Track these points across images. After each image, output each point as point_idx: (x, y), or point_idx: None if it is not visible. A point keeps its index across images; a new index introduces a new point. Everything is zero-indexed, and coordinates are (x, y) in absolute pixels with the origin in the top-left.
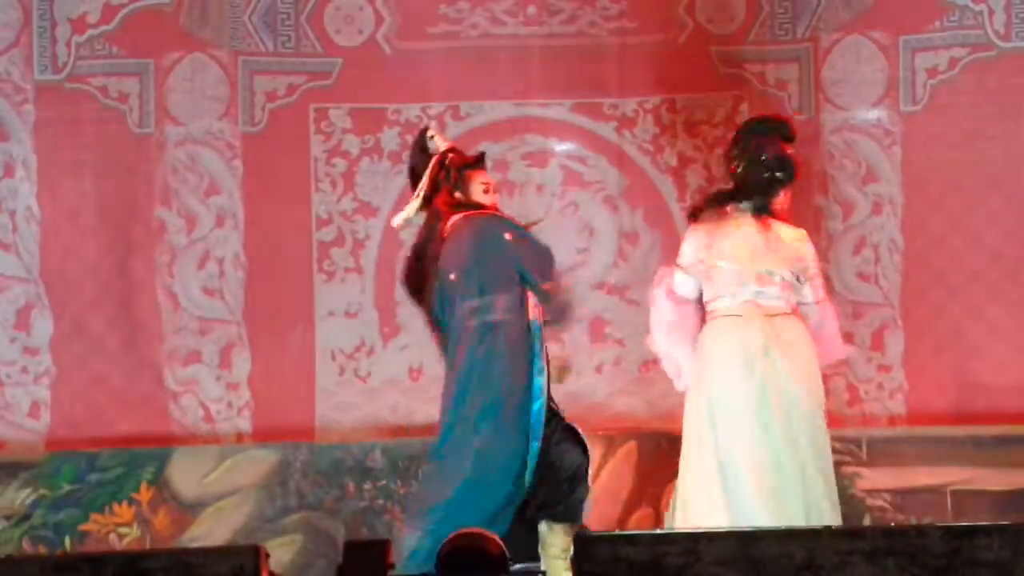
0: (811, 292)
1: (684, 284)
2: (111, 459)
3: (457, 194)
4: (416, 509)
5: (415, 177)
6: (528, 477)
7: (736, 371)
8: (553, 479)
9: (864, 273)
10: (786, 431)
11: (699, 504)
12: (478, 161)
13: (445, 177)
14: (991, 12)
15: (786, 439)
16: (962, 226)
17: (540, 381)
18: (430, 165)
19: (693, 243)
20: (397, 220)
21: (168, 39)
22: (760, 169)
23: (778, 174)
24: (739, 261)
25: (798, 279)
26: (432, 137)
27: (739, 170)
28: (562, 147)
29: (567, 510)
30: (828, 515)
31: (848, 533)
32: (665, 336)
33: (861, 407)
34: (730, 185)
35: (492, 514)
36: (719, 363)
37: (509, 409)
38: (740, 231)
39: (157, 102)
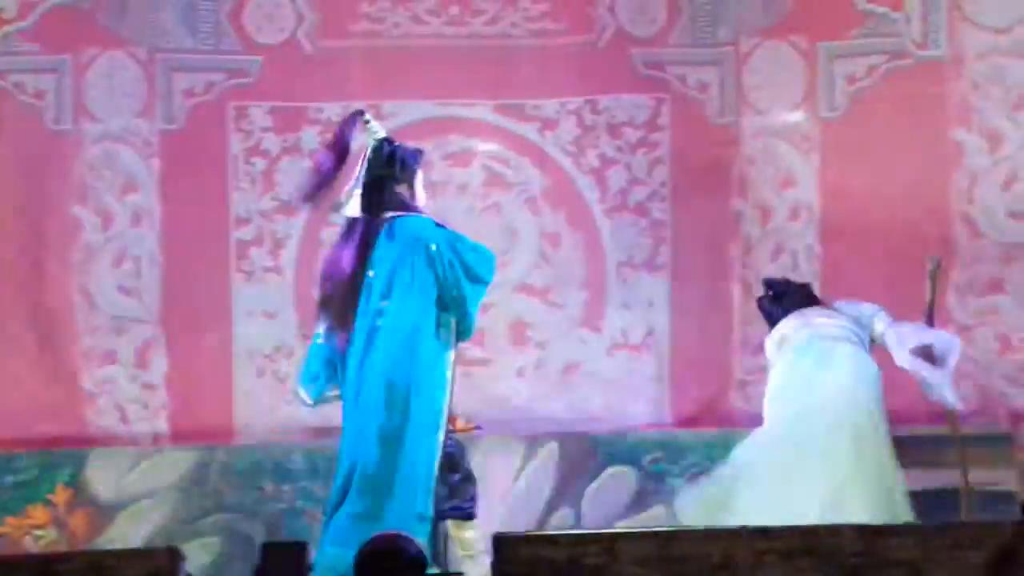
0: None
1: None
2: (27, 461)
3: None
4: None
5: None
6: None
7: None
8: (451, 476)
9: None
10: None
11: None
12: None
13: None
14: (908, 20)
15: None
16: (879, 233)
17: None
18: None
19: None
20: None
21: (86, 36)
22: None
23: None
24: None
25: None
26: (369, 121)
27: None
28: (484, 148)
29: (471, 507)
30: None
31: (764, 533)
32: None
33: None
34: None
35: None
36: None
37: None
38: None
39: (74, 99)
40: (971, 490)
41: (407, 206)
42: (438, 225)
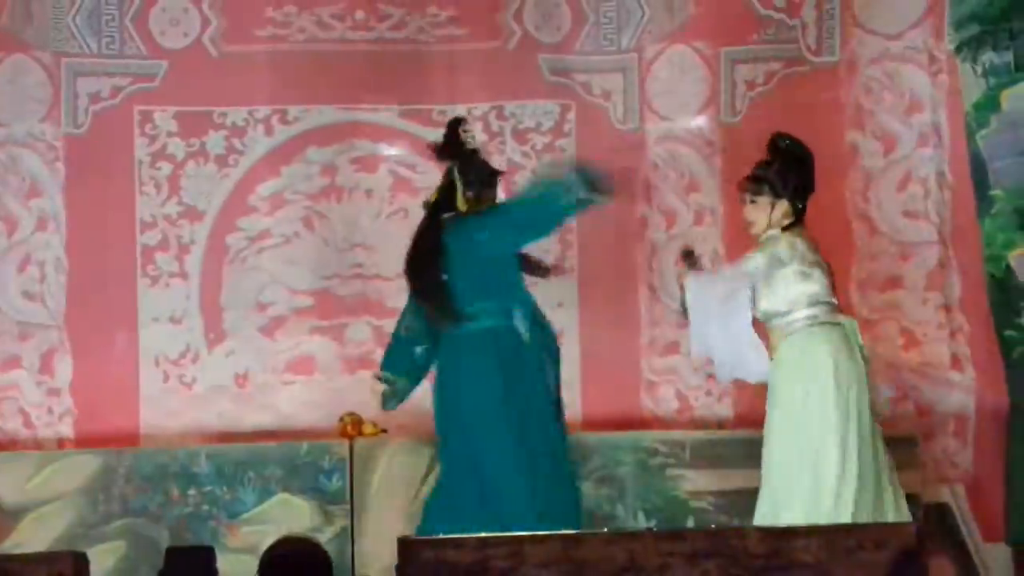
0: None
1: None
2: None
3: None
4: None
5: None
6: None
7: None
8: None
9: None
10: None
11: None
12: None
13: None
14: (804, 27)
15: None
16: None
17: None
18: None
19: None
20: None
21: None
22: None
23: None
24: None
25: None
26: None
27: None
28: (391, 152)
29: None
30: None
31: (669, 535)
32: None
33: (691, 413)
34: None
35: None
36: None
37: None
38: None
39: None
40: None
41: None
42: None
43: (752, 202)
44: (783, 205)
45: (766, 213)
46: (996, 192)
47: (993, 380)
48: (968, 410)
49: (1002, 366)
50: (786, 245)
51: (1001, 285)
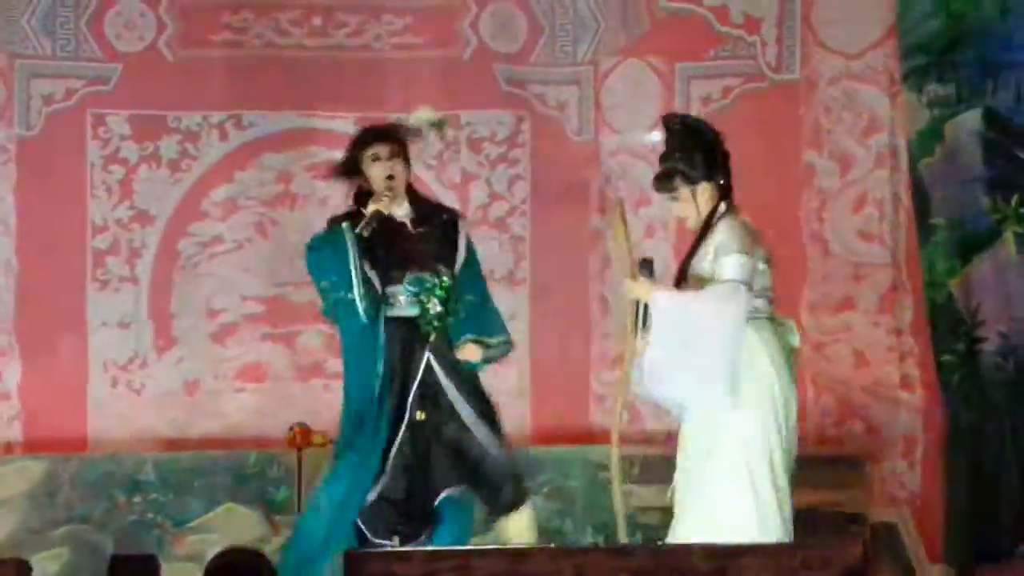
0: None
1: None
2: None
3: None
4: None
5: None
6: None
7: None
8: None
9: None
10: None
11: None
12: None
13: None
14: (764, 44)
15: None
16: None
17: None
18: None
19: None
20: None
21: None
22: None
23: None
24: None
25: None
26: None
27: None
28: None
29: None
30: None
31: (616, 551)
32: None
33: (641, 425)
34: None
35: None
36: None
37: None
38: None
39: None
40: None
41: None
42: None
43: (673, 199)
44: (705, 188)
45: (692, 204)
46: (937, 221)
47: (939, 403)
48: (916, 432)
49: (940, 391)
50: (742, 233)
51: (941, 311)
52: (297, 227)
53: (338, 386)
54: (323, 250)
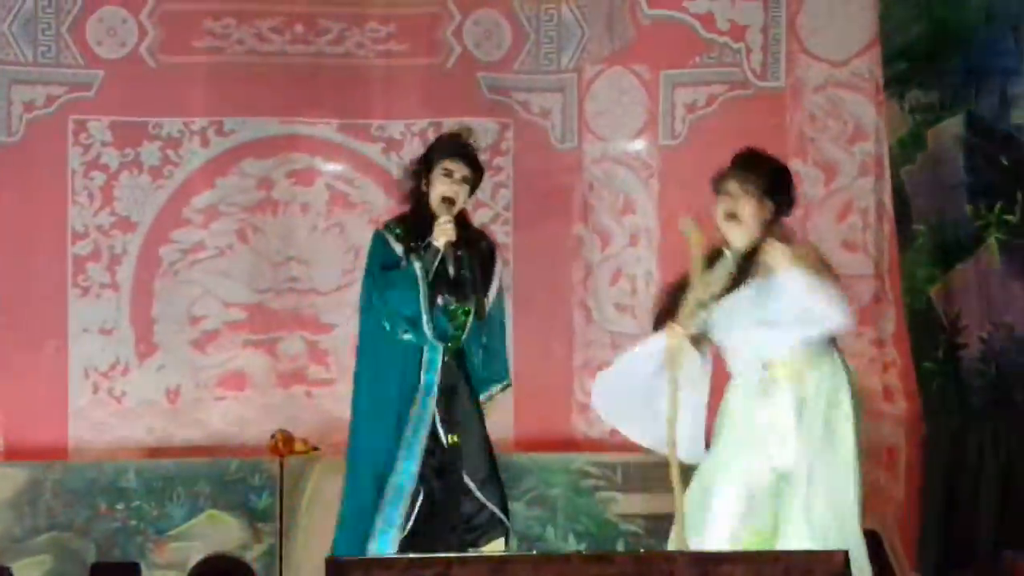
0: None
1: None
2: None
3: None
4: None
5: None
6: None
7: None
8: None
9: (621, 304)
10: None
11: None
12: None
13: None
14: (749, 51)
15: None
16: None
17: None
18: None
19: None
20: None
21: None
22: None
23: None
24: None
25: None
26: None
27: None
28: (328, 167)
29: None
30: None
31: (598, 558)
32: None
33: (622, 437)
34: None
35: None
36: None
37: None
38: None
39: None
40: None
41: None
42: None
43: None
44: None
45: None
46: (918, 227)
47: (920, 413)
48: (899, 443)
49: (920, 399)
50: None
51: (921, 318)
52: (279, 234)
53: (320, 393)
54: (393, 280)
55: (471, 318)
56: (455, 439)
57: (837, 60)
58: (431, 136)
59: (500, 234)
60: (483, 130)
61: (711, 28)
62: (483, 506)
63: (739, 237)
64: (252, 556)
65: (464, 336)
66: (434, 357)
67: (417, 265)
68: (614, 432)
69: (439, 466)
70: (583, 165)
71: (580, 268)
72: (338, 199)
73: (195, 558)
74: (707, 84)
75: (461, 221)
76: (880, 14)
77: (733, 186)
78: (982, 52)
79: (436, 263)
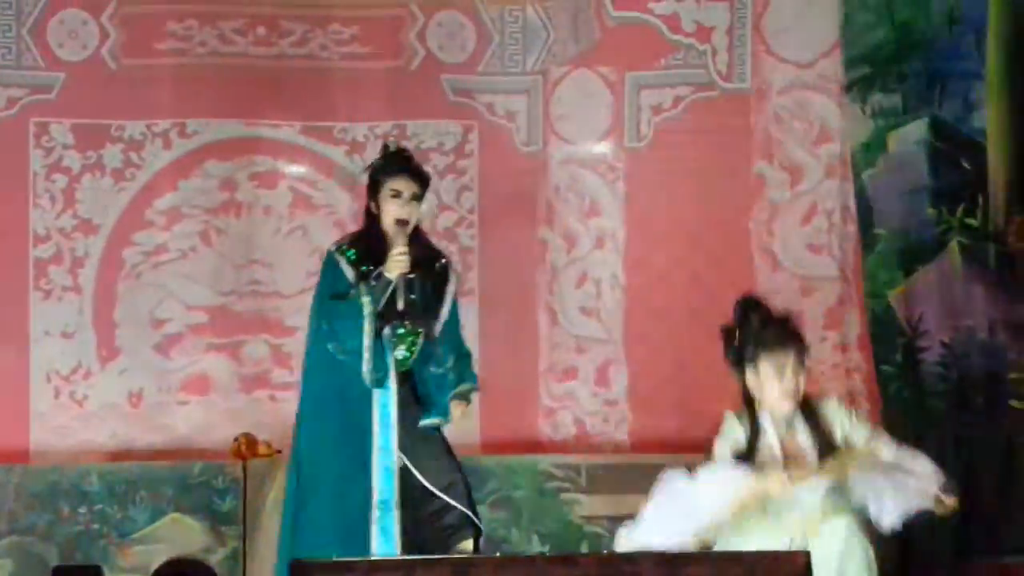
0: None
1: None
2: None
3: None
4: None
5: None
6: None
7: None
8: None
9: (587, 308)
10: None
11: None
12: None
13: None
14: (715, 53)
15: None
16: (683, 264)
17: None
18: None
19: None
20: None
21: None
22: None
23: None
24: None
25: None
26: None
27: None
28: (291, 169)
29: None
30: None
31: (562, 560)
32: None
33: (587, 441)
34: None
35: None
36: None
37: None
38: None
39: None
40: None
41: None
42: None
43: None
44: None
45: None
46: (880, 231)
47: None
48: None
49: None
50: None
51: (882, 322)
52: (242, 236)
53: (283, 396)
54: (340, 311)
55: (421, 340)
56: (413, 459)
57: (803, 62)
58: (394, 139)
59: (465, 237)
60: (446, 133)
61: (677, 30)
62: (451, 507)
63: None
64: (216, 559)
65: (412, 359)
66: (386, 389)
67: (366, 300)
68: (579, 436)
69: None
70: (548, 167)
71: (545, 271)
72: (301, 202)
73: (158, 561)
74: (673, 86)
75: (416, 236)
76: (843, 18)
77: (780, 358)
78: (945, 56)
79: (386, 295)
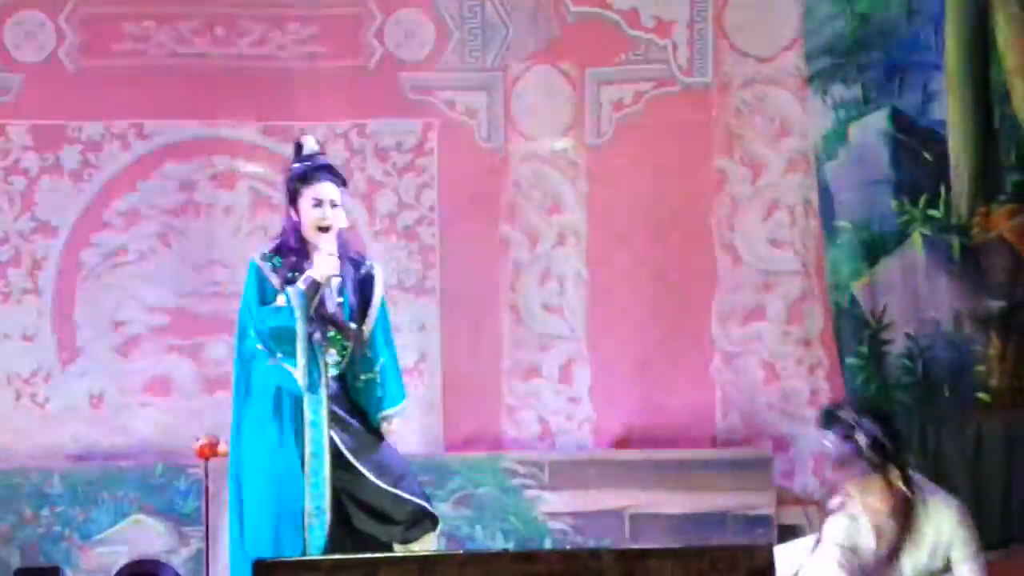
0: None
1: None
2: None
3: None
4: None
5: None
6: None
7: None
8: None
9: (550, 305)
10: None
11: None
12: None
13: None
14: (675, 48)
15: None
16: (645, 260)
17: None
18: None
19: None
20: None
21: None
22: None
23: None
24: None
25: None
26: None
27: None
28: (251, 169)
29: None
30: None
31: (525, 557)
32: None
33: (551, 439)
34: None
35: None
36: None
37: None
38: None
39: None
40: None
41: None
42: None
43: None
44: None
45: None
46: (842, 223)
47: None
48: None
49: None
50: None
51: (845, 315)
52: (201, 237)
53: None
54: (269, 318)
55: (351, 344)
56: (360, 458)
57: (763, 56)
58: (354, 138)
59: (426, 235)
60: (406, 131)
61: (636, 25)
62: (405, 500)
63: None
64: (179, 560)
65: (343, 364)
66: (317, 395)
67: (297, 304)
68: (542, 435)
69: (345, 487)
70: (509, 164)
71: (508, 269)
72: (261, 201)
73: (121, 563)
74: (633, 81)
75: (340, 241)
76: (804, 10)
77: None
78: (904, 48)
79: (316, 298)
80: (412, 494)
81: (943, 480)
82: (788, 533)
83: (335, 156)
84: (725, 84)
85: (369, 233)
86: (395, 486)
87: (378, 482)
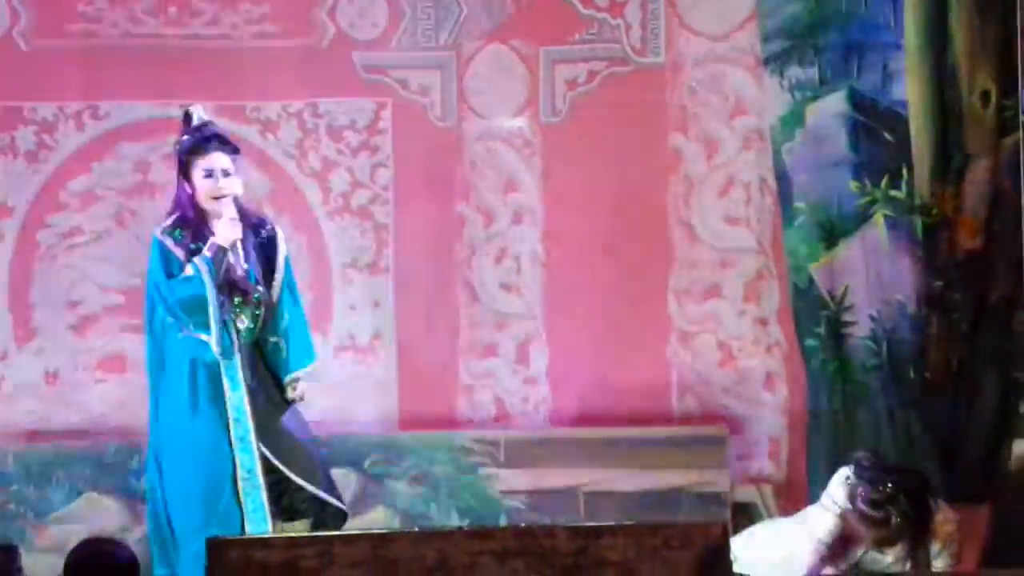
0: None
1: None
2: None
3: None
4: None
5: None
6: None
7: None
8: None
9: (507, 284)
10: None
11: None
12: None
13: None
14: (628, 27)
15: None
16: (601, 238)
17: None
18: None
19: None
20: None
21: None
22: None
23: None
24: None
25: None
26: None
27: None
28: None
29: None
30: None
31: (479, 534)
32: None
33: (507, 421)
34: None
35: None
36: None
37: None
38: None
39: None
40: None
41: None
42: None
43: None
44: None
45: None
46: (799, 205)
47: (804, 397)
48: (781, 435)
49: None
50: None
51: (804, 295)
52: (156, 217)
53: None
54: (178, 289)
55: (262, 309)
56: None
57: (717, 34)
58: (307, 117)
59: (380, 215)
60: (359, 110)
61: (589, 4)
62: (312, 495)
63: None
64: (133, 538)
65: (257, 329)
66: (232, 360)
67: (204, 271)
68: (498, 415)
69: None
70: (464, 143)
71: (463, 248)
72: None
73: (75, 541)
74: (587, 60)
75: (238, 207)
76: None
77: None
78: (862, 27)
79: (224, 263)
80: (326, 490)
81: (910, 463)
82: (742, 511)
83: (288, 136)
84: (678, 63)
85: (323, 212)
86: (304, 478)
87: (294, 477)
